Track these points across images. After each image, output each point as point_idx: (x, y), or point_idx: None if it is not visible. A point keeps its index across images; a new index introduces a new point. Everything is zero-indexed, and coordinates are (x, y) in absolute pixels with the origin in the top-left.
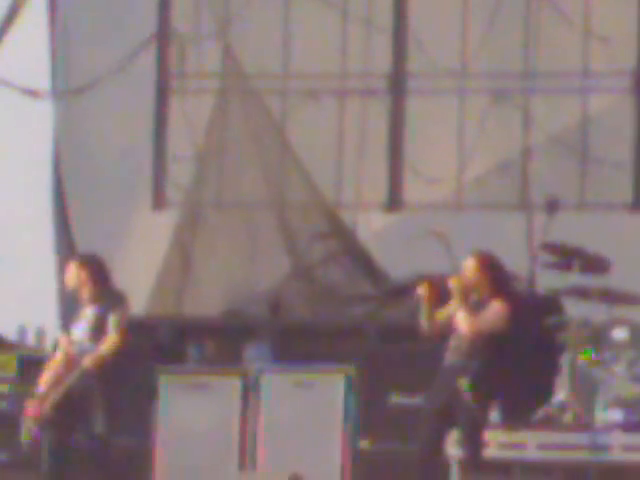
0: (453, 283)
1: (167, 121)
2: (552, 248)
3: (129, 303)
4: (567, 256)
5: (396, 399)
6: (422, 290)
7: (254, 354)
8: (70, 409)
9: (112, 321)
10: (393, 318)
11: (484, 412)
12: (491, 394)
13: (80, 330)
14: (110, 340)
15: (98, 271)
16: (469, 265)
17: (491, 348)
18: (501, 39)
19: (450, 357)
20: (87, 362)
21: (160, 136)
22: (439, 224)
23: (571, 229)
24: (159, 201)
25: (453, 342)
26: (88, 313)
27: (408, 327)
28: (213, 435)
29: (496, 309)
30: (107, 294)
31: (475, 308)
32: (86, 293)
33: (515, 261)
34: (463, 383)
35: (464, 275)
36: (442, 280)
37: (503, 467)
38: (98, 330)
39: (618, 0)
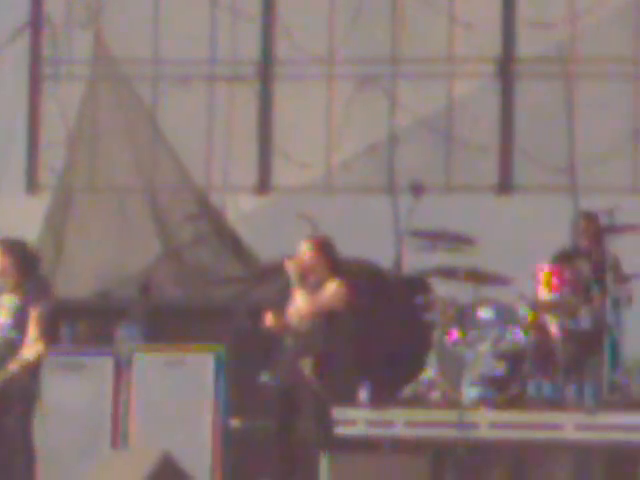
0: (290, 266)
1: (40, 107)
2: (419, 234)
3: (52, 294)
4: (433, 238)
5: (265, 378)
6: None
7: (126, 334)
8: None
9: (33, 317)
10: (262, 298)
11: (329, 390)
12: (334, 372)
13: (2, 317)
14: (35, 349)
15: (23, 258)
16: (305, 249)
17: (331, 327)
18: (367, 25)
19: (292, 338)
20: (14, 367)
21: (33, 121)
22: (308, 207)
23: (437, 211)
24: (33, 185)
25: (294, 323)
26: (9, 301)
27: (277, 307)
28: (86, 414)
29: (332, 288)
30: (29, 284)
31: (314, 290)
32: (8, 281)
33: (382, 243)
34: (306, 363)
35: (301, 258)
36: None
37: (372, 445)
38: (20, 321)
39: None
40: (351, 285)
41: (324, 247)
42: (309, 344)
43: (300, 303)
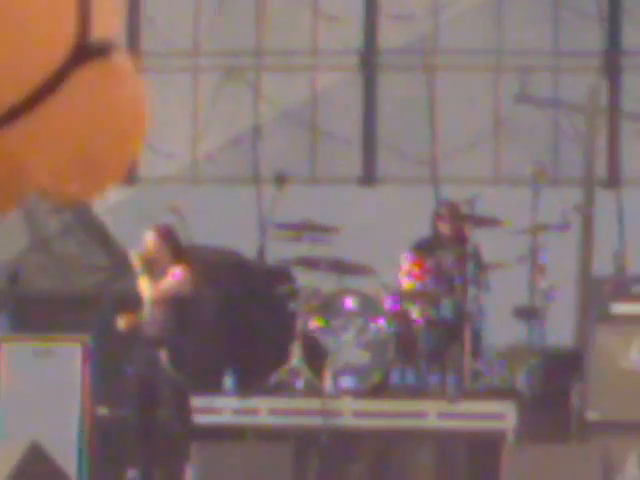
0: (133, 256)
1: None
2: (283, 224)
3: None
4: (297, 229)
5: (132, 367)
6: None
7: None
8: None
9: None
10: (127, 289)
11: (190, 380)
12: (216, 362)
13: None
14: None
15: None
16: (149, 238)
17: (182, 315)
18: (232, 17)
19: (147, 328)
20: None
21: None
22: (174, 198)
23: (301, 202)
24: None
25: (147, 313)
26: None
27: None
28: None
29: (175, 274)
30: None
31: (159, 277)
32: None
33: (247, 233)
34: (162, 353)
35: (145, 248)
36: None
37: (237, 433)
38: None
39: None
40: (195, 270)
41: (167, 235)
42: (163, 334)
43: (146, 291)
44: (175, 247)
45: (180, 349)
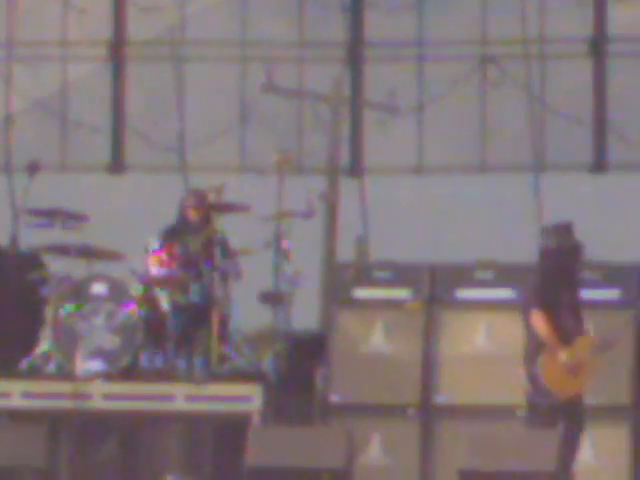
0: None
1: None
2: (34, 212)
3: None
4: (47, 216)
5: None
6: None
7: None
8: None
9: None
10: None
11: None
12: None
13: None
14: None
15: None
16: None
17: None
18: None
19: None
20: None
21: None
22: None
23: (52, 190)
24: None
25: None
26: None
27: None
28: None
29: None
30: None
31: None
32: None
33: (0, 221)
34: None
35: None
36: None
37: None
38: None
39: None
40: None
41: None
42: None
43: None
44: None
45: None
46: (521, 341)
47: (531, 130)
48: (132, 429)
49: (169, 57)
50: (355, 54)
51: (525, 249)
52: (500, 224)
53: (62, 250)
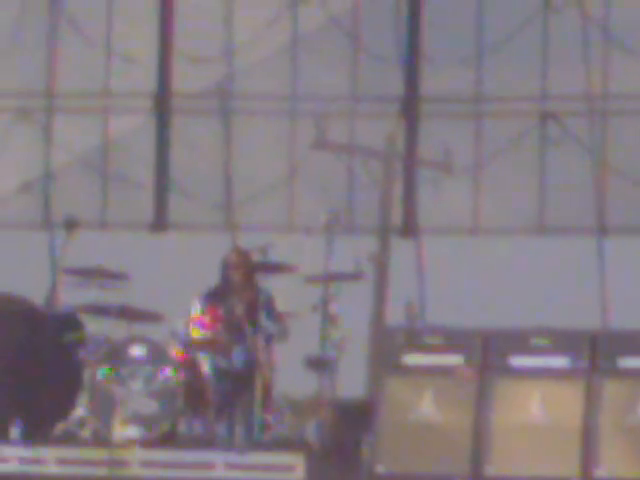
0: None
1: None
2: (73, 270)
3: None
4: (87, 275)
5: None
6: None
7: None
8: None
9: None
10: None
11: None
12: (3, 411)
13: None
14: None
15: None
16: None
17: None
18: (23, 57)
19: None
20: None
21: None
22: None
23: (91, 248)
24: None
25: None
26: None
27: None
28: None
29: None
30: None
31: None
32: None
33: (36, 279)
34: None
35: None
36: None
37: None
38: None
39: (139, 19)
40: None
41: None
42: None
43: None
44: None
45: None
46: (578, 412)
47: (593, 190)
48: None
49: (217, 110)
50: (410, 109)
51: (585, 315)
52: (559, 288)
53: (101, 310)
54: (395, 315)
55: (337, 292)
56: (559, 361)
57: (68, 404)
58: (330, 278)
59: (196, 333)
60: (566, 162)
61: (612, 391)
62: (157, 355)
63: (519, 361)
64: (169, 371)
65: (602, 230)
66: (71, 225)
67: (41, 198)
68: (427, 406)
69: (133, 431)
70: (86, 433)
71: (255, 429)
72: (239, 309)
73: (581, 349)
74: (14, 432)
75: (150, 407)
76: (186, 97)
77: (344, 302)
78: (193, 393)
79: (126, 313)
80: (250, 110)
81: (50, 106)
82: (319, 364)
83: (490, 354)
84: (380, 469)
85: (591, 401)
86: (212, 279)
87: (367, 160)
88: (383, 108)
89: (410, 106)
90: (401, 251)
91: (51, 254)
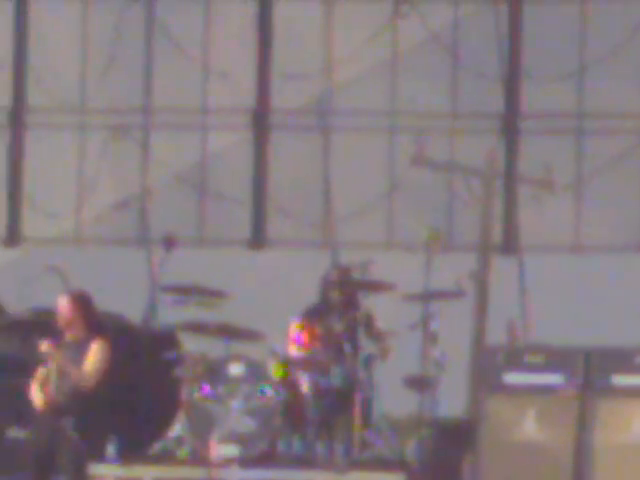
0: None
1: None
2: (170, 288)
3: None
4: (184, 292)
5: (13, 433)
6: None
7: None
8: None
9: None
10: (5, 351)
11: (91, 447)
12: (100, 429)
13: None
14: None
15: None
16: (63, 304)
17: (97, 386)
18: (120, 74)
19: (52, 396)
20: None
21: None
22: (58, 259)
23: (189, 265)
24: None
25: (53, 382)
26: None
27: (19, 361)
28: None
29: (98, 350)
30: None
31: (70, 347)
32: None
33: (135, 296)
34: (68, 421)
35: (59, 314)
36: None
37: None
38: None
39: (236, 35)
40: (110, 342)
41: (81, 302)
42: (71, 403)
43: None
44: (90, 314)
45: (86, 419)
46: None
47: None
48: None
49: (315, 127)
50: (510, 126)
51: None
52: None
53: (199, 328)
54: (496, 334)
55: (437, 310)
56: None
57: (164, 422)
58: (430, 296)
59: (295, 351)
60: None
61: None
62: (256, 373)
63: (622, 380)
64: (267, 389)
65: None
66: (169, 242)
67: (138, 215)
68: (528, 426)
69: (231, 450)
70: (183, 452)
71: (354, 448)
72: (338, 327)
73: None
74: (110, 450)
75: (248, 426)
76: (284, 113)
77: (444, 321)
78: (292, 412)
79: (224, 331)
80: (349, 126)
81: (147, 123)
82: (419, 383)
83: (592, 373)
84: None
85: None
86: (310, 297)
87: (467, 177)
88: (483, 125)
89: (510, 123)
90: (502, 269)
91: (149, 271)
